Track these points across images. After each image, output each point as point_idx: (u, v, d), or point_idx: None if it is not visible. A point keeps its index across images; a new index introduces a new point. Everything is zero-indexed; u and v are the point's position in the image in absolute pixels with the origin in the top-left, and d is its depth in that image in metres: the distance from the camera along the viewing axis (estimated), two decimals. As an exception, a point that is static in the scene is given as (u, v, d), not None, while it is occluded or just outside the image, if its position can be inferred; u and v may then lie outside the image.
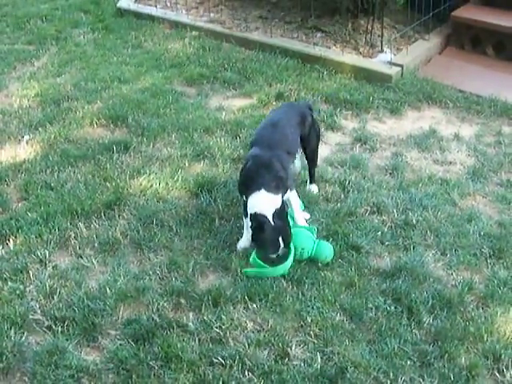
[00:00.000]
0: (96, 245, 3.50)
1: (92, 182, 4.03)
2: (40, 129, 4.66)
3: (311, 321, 2.99)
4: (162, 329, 2.94)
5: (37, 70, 5.74)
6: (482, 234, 3.61)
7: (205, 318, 3.00)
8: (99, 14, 7.07)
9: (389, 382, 2.72)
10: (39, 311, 3.05)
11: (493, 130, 4.80)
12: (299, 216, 3.53)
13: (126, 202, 3.82)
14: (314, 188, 3.94)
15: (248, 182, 3.32)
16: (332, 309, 3.07)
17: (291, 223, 3.38)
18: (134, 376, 2.71)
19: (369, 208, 3.80)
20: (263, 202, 3.21)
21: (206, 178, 4.01)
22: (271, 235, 3.17)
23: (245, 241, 3.43)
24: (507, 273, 3.34)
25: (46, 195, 3.88)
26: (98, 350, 2.88)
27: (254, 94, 5.18)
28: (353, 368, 2.75)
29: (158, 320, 2.98)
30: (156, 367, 2.76)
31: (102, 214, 3.72)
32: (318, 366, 2.77)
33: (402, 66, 5.44)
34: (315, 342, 2.90)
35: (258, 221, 3.18)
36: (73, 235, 3.56)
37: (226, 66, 5.65)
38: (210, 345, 2.87)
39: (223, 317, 3.00)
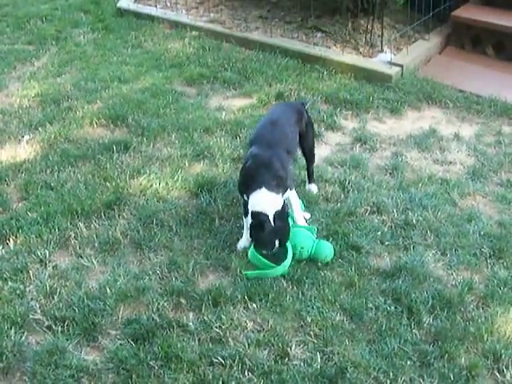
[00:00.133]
0: (96, 245, 3.50)
1: (92, 181, 4.03)
2: (40, 129, 4.66)
3: (311, 321, 2.99)
4: (162, 329, 2.93)
5: (37, 69, 5.74)
6: (482, 233, 3.61)
7: (205, 317, 3.00)
8: (99, 14, 7.07)
9: (389, 381, 2.71)
10: (39, 311, 3.05)
11: (493, 129, 4.80)
12: (299, 216, 3.53)
13: (125, 202, 3.82)
14: (313, 188, 3.94)
15: (248, 181, 3.32)
16: (332, 309, 3.06)
17: (291, 223, 3.38)
18: (133, 376, 2.71)
19: (369, 208, 3.80)
20: (265, 201, 3.21)
21: (206, 178, 4.01)
22: (268, 235, 3.18)
23: (245, 241, 3.44)
24: (507, 273, 3.34)
25: (46, 195, 3.88)
26: (98, 350, 2.88)
27: (254, 94, 5.18)
28: (353, 368, 2.75)
29: (158, 320, 2.98)
30: (156, 367, 2.75)
31: (102, 214, 3.72)
32: (318, 366, 2.77)
33: (401, 65, 5.44)
34: (315, 341, 2.90)
35: (258, 219, 3.18)
36: (73, 235, 3.56)
37: (226, 65, 5.65)
38: (210, 345, 2.87)
39: (223, 317, 3.00)
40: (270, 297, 3.11)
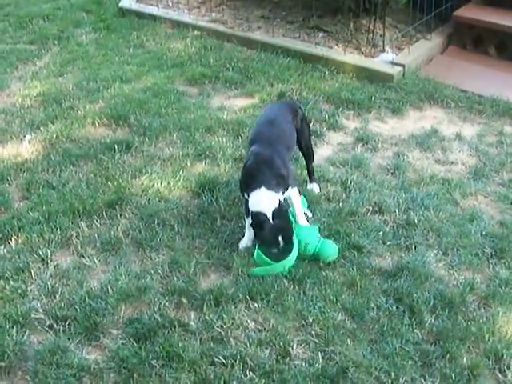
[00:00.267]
0: (98, 244, 3.51)
1: (94, 181, 4.03)
2: (42, 128, 4.66)
3: (313, 320, 2.99)
4: (163, 328, 2.94)
5: (39, 69, 5.75)
6: (484, 233, 3.60)
7: (206, 317, 3.00)
8: (101, 14, 7.07)
9: (390, 381, 2.71)
10: (41, 310, 3.06)
11: (495, 129, 4.79)
12: (300, 215, 3.52)
13: (127, 202, 3.82)
14: (315, 187, 3.94)
15: (249, 180, 3.33)
16: (333, 308, 3.06)
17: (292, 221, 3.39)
18: (135, 375, 2.72)
19: (370, 208, 3.80)
20: (263, 201, 3.23)
21: (208, 178, 4.01)
22: (270, 234, 3.20)
23: (246, 240, 3.44)
24: (509, 273, 3.33)
25: (48, 194, 3.89)
26: (100, 349, 2.88)
27: (256, 94, 5.18)
28: (354, 368, 2.75)
29: (159, 319, 2.98)
30: (157, 366, 2.76)
31: (104, 214, 3.72)
32: (320, 366, 2.77)
33: (403, 65, 5.44)
34: (316, 341, 2.90)
35: (257, 219, 3.20)
36: (74, 234, 3.57)
37: (228, 65, 5.65)
38: (212, 344, 2.87)
39: (225, 316, 3.00)
40: (271, 296, 3.11)
